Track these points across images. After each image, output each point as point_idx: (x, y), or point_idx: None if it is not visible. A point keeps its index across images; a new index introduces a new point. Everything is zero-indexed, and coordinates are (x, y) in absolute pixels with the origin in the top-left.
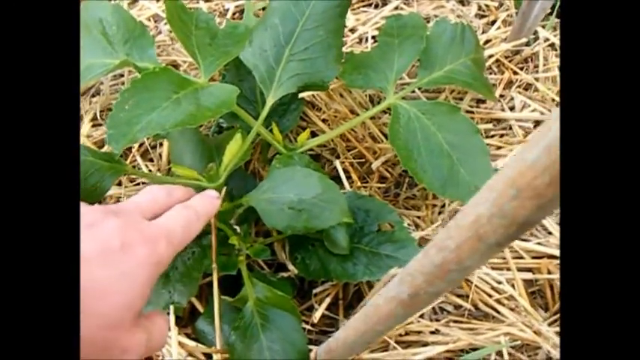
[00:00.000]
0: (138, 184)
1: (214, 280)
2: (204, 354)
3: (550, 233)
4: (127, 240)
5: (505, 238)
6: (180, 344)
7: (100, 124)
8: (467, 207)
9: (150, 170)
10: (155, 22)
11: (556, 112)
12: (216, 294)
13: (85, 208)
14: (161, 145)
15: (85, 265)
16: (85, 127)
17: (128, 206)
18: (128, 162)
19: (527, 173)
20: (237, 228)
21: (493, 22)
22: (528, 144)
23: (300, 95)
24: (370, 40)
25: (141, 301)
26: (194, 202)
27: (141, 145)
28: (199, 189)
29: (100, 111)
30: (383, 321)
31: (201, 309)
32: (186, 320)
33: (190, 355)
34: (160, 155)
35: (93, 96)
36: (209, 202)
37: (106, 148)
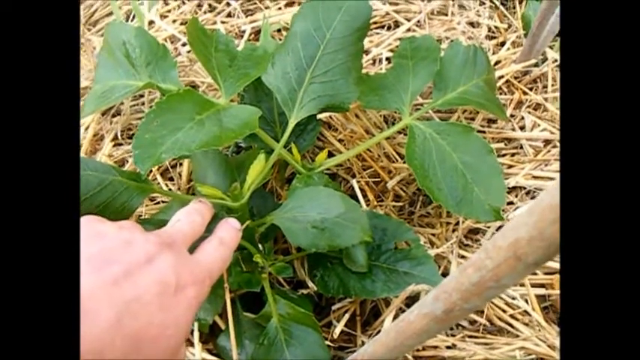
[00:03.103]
0: (158, 202)
1: (227, 298)
2: None
3: None
4: (180, 281)
5: (543, 259)
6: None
7: (121, 144)
8: (506, 229)
9: (170, 189)
10: (171, 43)
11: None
12: (230, 312)
13: (141, 239)
14: (181, 164)
15: (145, 308)
16: (107, 147)
17: (176, 236)
18: None
19: None
20: (260, 246)
21: (502, 44)
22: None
23: (318, 116)
24: (384, 62)
25: (184, 339)
26: (225, 236)
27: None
28: (224, 208)
29: (121, 131)
30: (415, 336)
31: (221, 325)
32: (206, 335)
33: None
34: (180, 174)
35: (114, 116)
36: (235, 234)
37: (127, 167)
